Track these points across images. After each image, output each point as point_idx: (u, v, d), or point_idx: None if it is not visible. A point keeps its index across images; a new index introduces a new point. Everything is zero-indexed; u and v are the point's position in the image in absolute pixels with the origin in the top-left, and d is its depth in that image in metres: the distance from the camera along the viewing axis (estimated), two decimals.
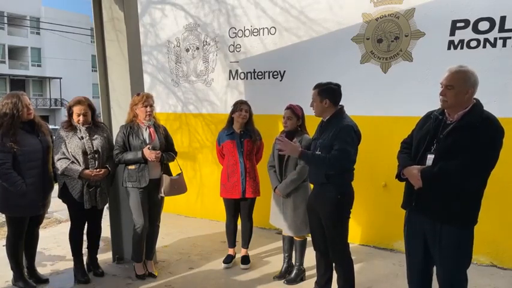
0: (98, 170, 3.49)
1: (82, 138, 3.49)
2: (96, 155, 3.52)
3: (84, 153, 3.47)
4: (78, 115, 3.51)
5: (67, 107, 3.61)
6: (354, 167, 3.01)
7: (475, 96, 2.35)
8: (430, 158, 2.38)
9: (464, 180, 2.28)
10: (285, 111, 3.60)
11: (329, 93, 2.97)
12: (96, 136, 3.56)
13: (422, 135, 2.48)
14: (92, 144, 3.52)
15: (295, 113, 3.56)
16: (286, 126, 3.60)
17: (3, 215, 3.57)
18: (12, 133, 3.23)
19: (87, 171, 3.45)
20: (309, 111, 3.65)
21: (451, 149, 2.30)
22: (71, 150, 3.46)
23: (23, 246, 3.52)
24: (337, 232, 2.99)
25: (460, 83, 2.30)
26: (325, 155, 2.87)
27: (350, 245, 3.09)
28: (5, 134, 3.22)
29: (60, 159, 3.44)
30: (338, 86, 3.02)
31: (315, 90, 3.02)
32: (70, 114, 3.54)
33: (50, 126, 4.11)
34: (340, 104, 3.04)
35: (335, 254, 3.04)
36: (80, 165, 3.45)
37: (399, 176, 2.56)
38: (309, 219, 3.22)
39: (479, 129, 2.25)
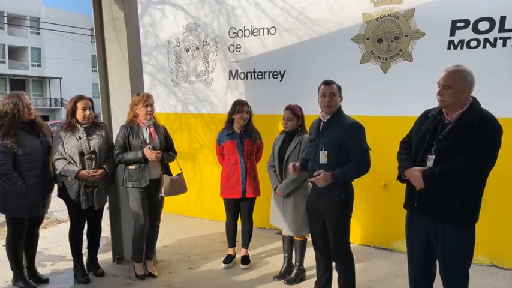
0: (94, 170, 3.48)
1: (80, 138, 3.48)
2: (93, 156, 3.51)
3: (81, 153, 3.46)
4: (84, 109, 3.48)
5: (69, 105, 3.53)
6: None
7: (471, 94, 2.35)
8: (431, 158, 2.38)
9: (464, 179, 2.29)
10: (284, 112, 3.60)
11: (340, 90, 3.03)
12: (94, 136, 3.55)
13: (422, 135, 2.48)
14: (89, 145, 3.51)
15: (295, 113, 3.56)
16: (286, 127, 3.61)
17: (3, 215, 3.56)
18: (12, 133, 3.22)
19: (83, 171, 3.44)
20: (308, 111, 3.66)
21: (451, 149, 2.31)
22: (68, 151, 3.45)
23: (22, 246, 3.52)
24: (342, 232, 3.00)
25: (458, 83, 2.31)
26: (352, 164, 2.89)
27: (350, 245, 3.09)
28: (5, 135, 3.21)
29: (57, 159, 3.44)
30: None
31: (334, 85, 3.00)
32: (73, 112, 3.50)
33: (49, 123, 4.08)
34: None
35: (337, 254, 3.04)
36: (77, 166, 3.44)
37: (400, 178, 2.56)
38: (309, 220, 3.22)
39: (478, 128, 2.25)
